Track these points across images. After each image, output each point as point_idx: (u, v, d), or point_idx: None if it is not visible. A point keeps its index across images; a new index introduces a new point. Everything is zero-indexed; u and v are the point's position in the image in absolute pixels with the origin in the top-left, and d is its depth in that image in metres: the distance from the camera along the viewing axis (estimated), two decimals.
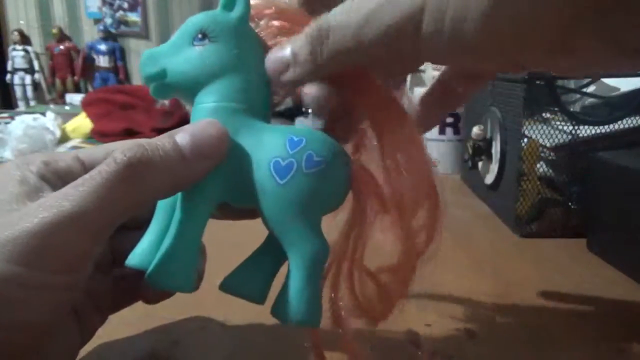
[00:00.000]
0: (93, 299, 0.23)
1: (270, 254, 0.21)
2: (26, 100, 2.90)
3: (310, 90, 0.20)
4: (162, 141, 0.18)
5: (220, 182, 0.19)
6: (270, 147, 0.19)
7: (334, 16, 0.19)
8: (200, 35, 0.20)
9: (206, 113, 0.19)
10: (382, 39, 0.18)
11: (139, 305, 0.28)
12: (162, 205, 0.21)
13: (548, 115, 0.42)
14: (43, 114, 0.87)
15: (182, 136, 0.18)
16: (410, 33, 0.17)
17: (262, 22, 0.22)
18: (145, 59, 0.20)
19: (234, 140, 0.19)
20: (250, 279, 0.21)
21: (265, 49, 0.21)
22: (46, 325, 0.17)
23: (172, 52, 0.20)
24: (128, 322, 0.28)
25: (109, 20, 2.95)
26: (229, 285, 0.21)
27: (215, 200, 0.20)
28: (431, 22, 0.17)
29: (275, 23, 0.22)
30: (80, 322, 0.22)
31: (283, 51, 0.20)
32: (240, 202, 0.20)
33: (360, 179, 0.20)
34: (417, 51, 0.18)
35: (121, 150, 0.17)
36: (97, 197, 0.16)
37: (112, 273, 0.24)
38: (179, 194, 0.19)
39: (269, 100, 0.21)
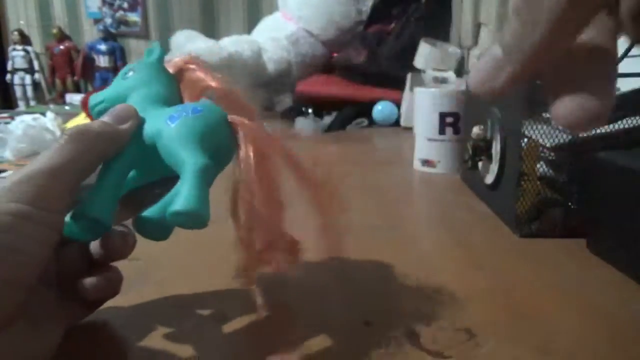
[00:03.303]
0: (46, 309, 0.24)
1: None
2: (26, 100, 2.90)
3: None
4: (93, 122, 0.25)
5: (134, 147, 0.25)
6: (168, 112, 0.25)
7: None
8: (128, 72, 0.29)
9: None
10: None
11: (137, 305, 0.28)
12: None
13: (548, 115, 0.42)
14: (43, 114, 0.87)
15: (103, 116, 0.26)
16: None
17: (187, 72, 0.29)
18: (91, 98, 0.29)
19: (145, 121, 0.26)
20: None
21: (179, 79, 0.29)
22: (41, 259, 0.21)
23: (110, 89, 0.29)
24: (125, 322, 0.28)
25: (109, 20, 2.95)
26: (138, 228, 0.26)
27: (131, 160, 0.26)
28: None
29: (198, 72, 0.29)
30: (41, 328, 0.23)
31: (488, 54, 0.17)
32: (147, 164, 0.26)
33: (243, 127, 0.25)
34: None
35: (70, 128, 0.24)
36: (58, 155, 0.23)
37: (58, 287, 0.26)
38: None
39: (177, 101, 0.29)
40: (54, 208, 0.22)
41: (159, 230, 0.25)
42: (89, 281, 0.26)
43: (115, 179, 0.25)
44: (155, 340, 0.26)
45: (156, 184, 0.27)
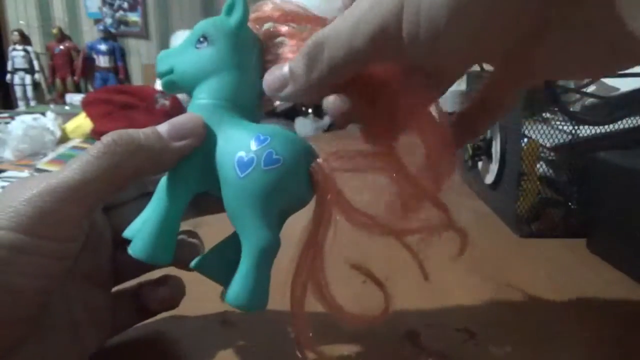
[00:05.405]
0: (91, 313, 0.23)
1: (236, 242, 0.22)
2: (26, 100, 2.91)
3: (327, 100, 0.21)
4: (145, 129, 0.21)
5: (196, 169, 0.21)
6: (238, 143, 0.21)
7: (327, 29, 0.19)
8: (201, 39, 0.22)
9: (196, 108, 0.22)
10: (370, 44, 0.18)
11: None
12: (158, 189, 0.22)
13: (548, 115, 0.42)
14: (43, 114, 0.87)
15: (161, 125, 0.21)
16: (393, 33, 0.17)
17: (266, 25, 0.23)
18: (159, 58, 0.23)
19: (213, 134, 0.21)
20: (216, 262, 0.23)
21: (264, 50, 0.23)
22: (39, 293, 0.19)
23: (180, 53, 0.23)
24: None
25: (109, 20, 2.96)
26: (198, 266, 0.23)
27: (193, 186, 0.22)
28: (409, 18, 0.17)
29: (283, 28, 0.23)
30: (77, 335, 0.22)
31: (281, 69, 0.21)
32: (214, 190, 0.22)
33: (323, 182, 0.21)
34: (401, 51, 0.18)
35: (110, 134, 0.20)
36: (82, 171, 0.19)
37: (110, 290, 0.25)
38: (164, 180, 0.22)
39: (258, 98, 0.23)
40: (61, 236, 0.19)
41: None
42: (153, 291, 0.25)
43: (174, 212, 0.21)
44: (156, 342, 0.26)
45: None
